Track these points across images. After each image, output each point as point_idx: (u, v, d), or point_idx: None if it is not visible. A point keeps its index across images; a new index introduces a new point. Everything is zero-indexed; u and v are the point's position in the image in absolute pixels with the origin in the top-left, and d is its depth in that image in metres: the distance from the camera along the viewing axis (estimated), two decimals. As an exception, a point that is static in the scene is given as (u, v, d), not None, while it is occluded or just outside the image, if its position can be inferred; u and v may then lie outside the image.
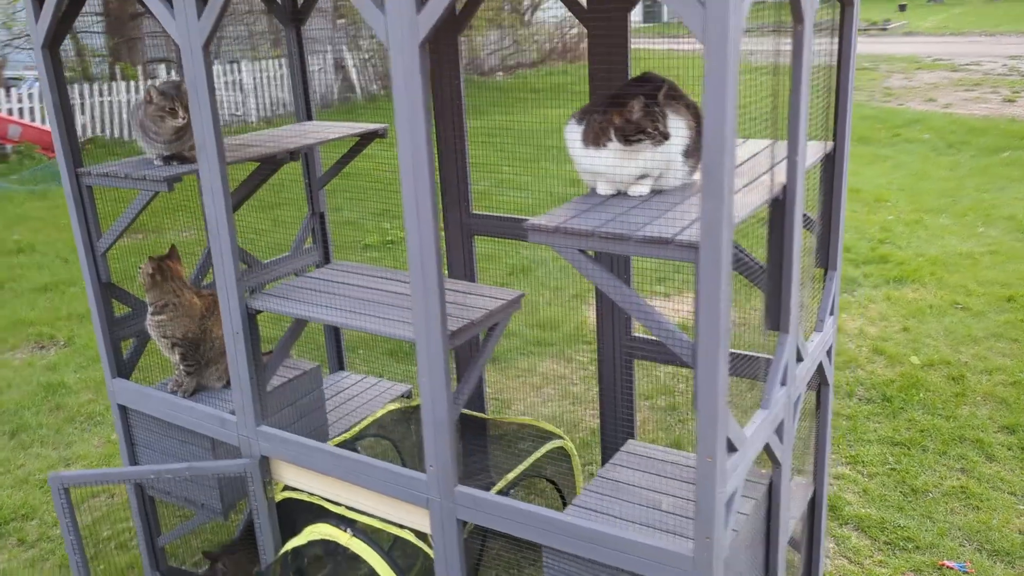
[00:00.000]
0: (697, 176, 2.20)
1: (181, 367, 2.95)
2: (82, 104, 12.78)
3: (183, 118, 2.71)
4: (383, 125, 3.38)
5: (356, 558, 2.49)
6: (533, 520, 2.13)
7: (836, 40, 2.44)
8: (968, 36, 23.03)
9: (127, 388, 2.96)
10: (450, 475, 2.22)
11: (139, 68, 14.25)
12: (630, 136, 1.97)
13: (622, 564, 2.02)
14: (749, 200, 2.00)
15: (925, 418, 4.39)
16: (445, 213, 3.37)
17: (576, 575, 2.13)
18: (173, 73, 12.52)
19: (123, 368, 3.02)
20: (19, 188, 10.22)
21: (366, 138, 3.39)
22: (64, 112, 2.73)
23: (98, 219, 2.85)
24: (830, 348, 2.70)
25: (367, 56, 16.76)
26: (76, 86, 12.93)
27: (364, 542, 2.46)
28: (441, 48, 3.15)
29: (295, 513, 2.80)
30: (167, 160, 2.77)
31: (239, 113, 14.58)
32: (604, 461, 3.25)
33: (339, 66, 16.83)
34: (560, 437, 2.91)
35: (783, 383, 2.23)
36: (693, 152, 2.09)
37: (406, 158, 1.99)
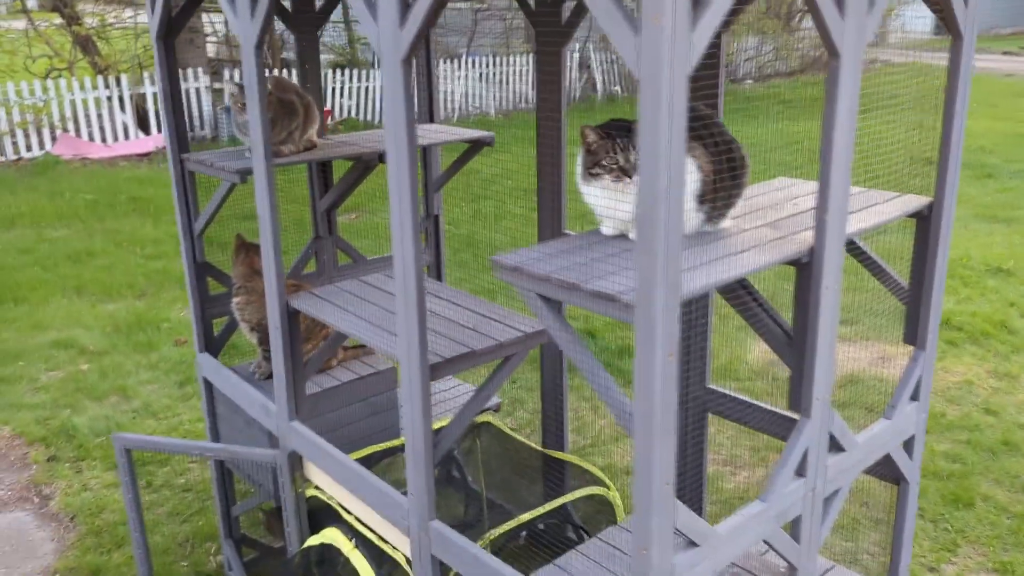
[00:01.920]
0: (726, 224, 1.93)
1: (260, 350, 3.07)
2: (344, 87, 13.84)
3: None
4: (490, 133, 3.32)
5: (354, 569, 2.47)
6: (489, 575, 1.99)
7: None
8: None
9: (209, 363, 3.14)
10: (425, 508, 2.13)
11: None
12: (589, 169, 1.77)
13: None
14: (755, 259, 1.71)
15: (1116, 535, 3.62)
16: (540, 232, 3.24)
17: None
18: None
19: (211, 344, 3.21)
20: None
21: (476, 145, 3.35)
22: (174, 99, 2.92)
23: (197, 202, 3.04)
24: (910, 439, 2.28)
25: (614, 56, 16.70)
26: (346, 69, 14.05)
27: (364, 556, 2.43)
28: (545, 62, 3.02)
29: (321, 512, 2.83)
30: (256, 153, 2.88)
31: (478, 106, 15.11)
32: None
33: (584, 65, 16.94)
34: (605, 485, 2.70)
35: (799, 474, 1.90)
36: (711, 196, 1.83)
37: (392, 174, 1.91)
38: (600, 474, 2.77)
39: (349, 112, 13.76)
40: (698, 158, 1.80)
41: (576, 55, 16.58)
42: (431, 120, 3.60)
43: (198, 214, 3.05)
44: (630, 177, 1.81)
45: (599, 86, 16.70)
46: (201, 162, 2.88)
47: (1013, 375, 5.09)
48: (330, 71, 13.99)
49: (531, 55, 15.68)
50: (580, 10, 2.93)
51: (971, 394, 4.88)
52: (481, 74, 15.30)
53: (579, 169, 1.90)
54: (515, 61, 15.66)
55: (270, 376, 3.13)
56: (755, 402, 2.69)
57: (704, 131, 1.85)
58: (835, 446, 1.99)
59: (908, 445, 2.28)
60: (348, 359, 3.26)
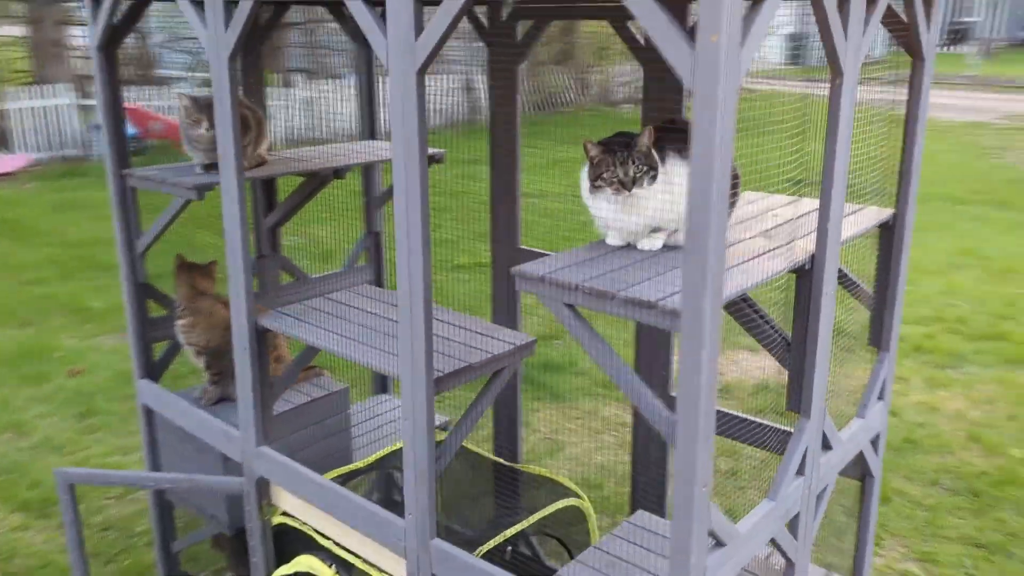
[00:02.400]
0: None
1: (206, 375, 2.94)
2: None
3: (207, 129, 2.70)
4: (441, 150, 3.31)
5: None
6: (505, 588, 1.97)
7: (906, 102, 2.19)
8: None
9: (152, 390, 2.98)
10: (427, 527, 2.09)
11: (278, 76, 14.88)
12: (593, 182, 1.82)
13: (586, 653, 1.83)
14: (768, 266, 1.79)
15: (1016, 520, 3.94)
16: (493, 246, 3.26)
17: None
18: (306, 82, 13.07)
19: (152, 369, 3.04)
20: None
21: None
22: (115, 113, 2.77)
23: (139, 220, 2.88)
24: (876, 437, 2.42)
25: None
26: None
27: (344, 582, 2.35)
28: (501, 79, 3.04)
29: (291, 539, 2.73)
30: (208, 168, 2.77)
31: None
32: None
33: (468, 88, 17.08)
34: (578, 496, 2.72)
35: (799, 473, 1.99)
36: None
37: (399, 188, 1.89)
38: (572, 485, 2.79)
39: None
40: (705, 170, 1.87)
41: (462, 78, 16.71)
42: (372, 137, 3.56)
43: (139, 233, 2.89)
44: (629, 190, 1.85)
45: (483, 109, 16.85)
46: (149, 178, 2.74)
47: (905, 378, 5.45)
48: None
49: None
50: (535, 31, 2.98)
51: (871, 397, 5.20)
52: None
53: (584, 183, 1.94)
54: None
55: (217, 402, 3.01)
56: (717, 408, 2.77)
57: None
58: (825, 445, 2.09)
59: (875, 442, 2.42)
60: (300, 380, 3.17)
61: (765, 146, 2.02)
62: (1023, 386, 5.34)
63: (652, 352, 2.82)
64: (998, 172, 11.96)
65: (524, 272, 1.77)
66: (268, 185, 3.29)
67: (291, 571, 2.50)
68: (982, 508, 4.03)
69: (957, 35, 29.02)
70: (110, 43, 2.70)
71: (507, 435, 3.40)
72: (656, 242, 1.90)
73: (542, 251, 3.19)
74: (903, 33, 2.12)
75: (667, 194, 1.83)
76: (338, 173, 2.99)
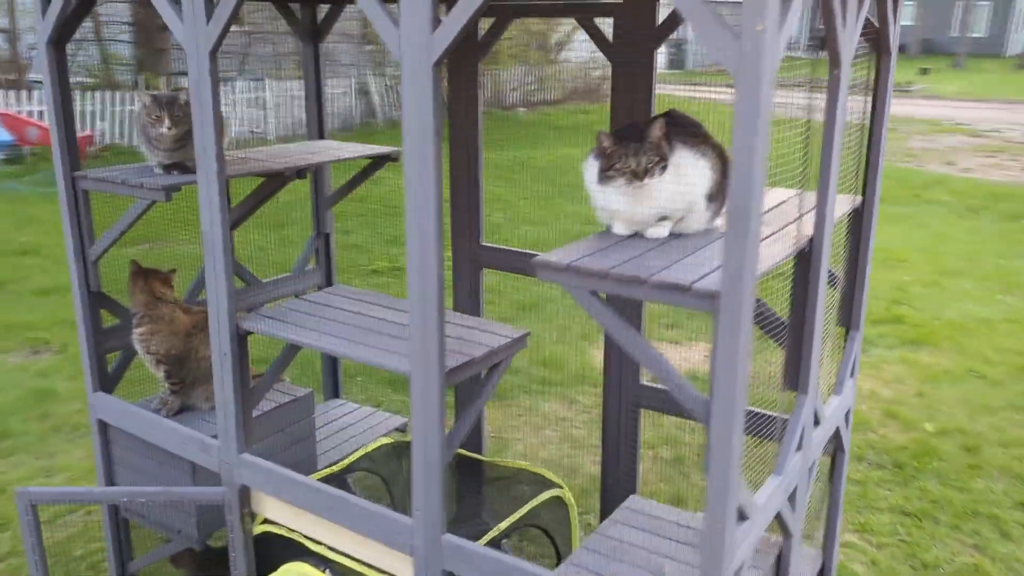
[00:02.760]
0: (720, 222, 2.08)
1: (166, 385, 2.82)
2: (103, 110, 12.85)
3: (169, 128, 2.61)
4: (395, 148, 3.28)
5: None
6: (522, 577, 1.99)
7: (869, 98, 2.33)
8: (989, 103, 22.96)
9: (108, 403, 2.83)
10: (437, 522, 2.08)
11: (163, 79, 14.32)
12: (604, 172, 1.87)
13: (615, 633, 1.87)
14: (773, 251, 1.87)
15: (938, 488, 4.22)
16: (454, 242, 3.26)
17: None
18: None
19: (106, 381, 2.90)
20: (32, 190, 10.20)
21: (378, 161, 3.30)
22: (65, 113, 2.63)
23: (92, 225, 2.74)
24: (848, 412, 2.56)
25: (390, 83, 16.80)
26: (99, 93, 13.03)
27: (341, 586, 2.31)
28: (461, 75, 3.05)
29: (274, 548, 2.65)
30: (168, 169, 2.67)
31: (259, 130, 14.59)
32: (603, 511, 3.09)
33: (363, 91, 16.88)
34: (559, 486, 2.75)
35: (799, 448, 2.09)
36: (717, 196, 1.97)
37: (412, 180, 1.88)
38: (552, 476, 2.82)
39: (103, 137, 12.73)
40: (709, 160, 1.94)
41: (354, 81, 16.49)
42: (321, 136, 3.50)
43: (92, 239, 2.75)
44: (641, 180, 1.90)
45: (378, 112, 16.71)
46: (107, 180, 2.61)
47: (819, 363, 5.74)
48: (88, 93, 12.89)
49: (300, 80, 15.35)
50: (497, 28, 3.00)
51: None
52: (257, 98, 14.79)
53: (592, 173, 1.97)
54: (289, 87, 15.24)
55: (178, 412, 2.90)
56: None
57: (704, 136, 2.00)
58: (816, 420, 2.20)
59: (847, 417, 2.56)
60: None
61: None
62: (926, 365, 5.71)
63: (622, 342, 2.88)
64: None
65: (548, 263, 1.79)
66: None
67: (279, 580, 2.44)
68: (906, 479, 4.30)
69: (823, 41, 30.60)
70: (61, 38, 2.56)
71: (472, 433, 3.41)
72: (663, 230, 1.96)
73: (505, 247, 3.22)
74: (873, 32, 2.25)
75: (676, 183, 1.89)
76: (300, 173, 2.93)
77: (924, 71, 29.83)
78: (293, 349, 2.53)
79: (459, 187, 3.16)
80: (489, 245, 3.20)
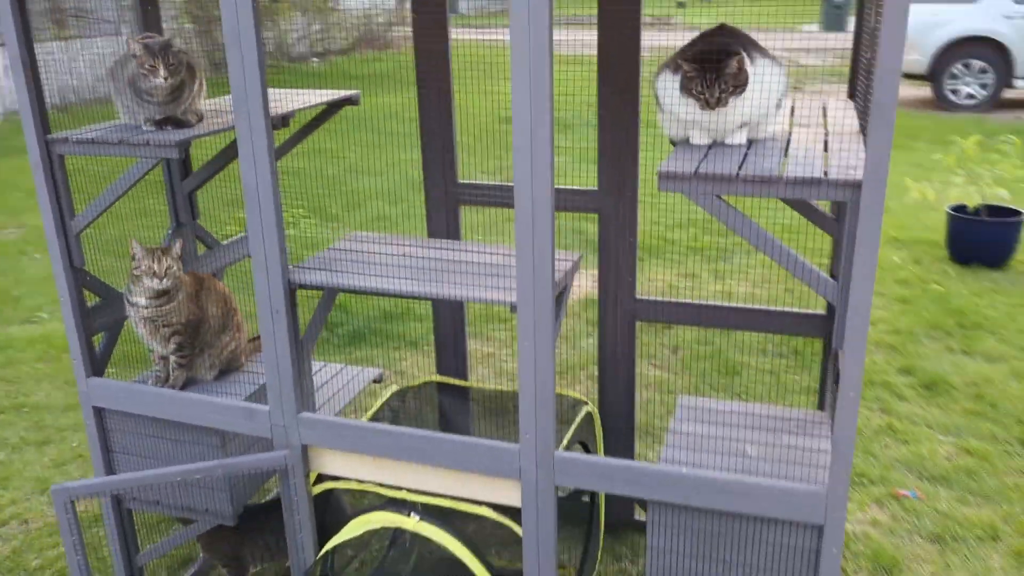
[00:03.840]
0: (775, 128, 2.24)
1: (174, 359, 2.62)
2: None
3: (165, 78, 2.40)
4: (356, 91, 3.18)
5: (424, 544, 2.34)
6: (642, 476, 2.11)
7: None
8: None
9: (108, 387, 2.60)
10: (550, 442, 2.14)
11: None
12: (684, 87, 2.00)
13: (748, 509, 2.04)
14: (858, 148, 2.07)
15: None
16: (426, 183, 3.23)
17: (687, 527, 2.13)
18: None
19: (97, 366, 2.65)
20: None
21: (332, 108, 3.18)
22: (32, 70, 2.34)
23: (71, 194, 2.47)
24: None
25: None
26: None
27: (435, 525, 2.32)
28: (426, 11, 3.01)
29: (331, 508, 2.59)
30: (160, 124, 2.45)
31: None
32: (603, 421, 3.24)
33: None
34: (586, 403, 2.88)
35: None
36: (781, 103, 2.14)
37: (522, 100, 1.89)
38: (577, 395, 2.93)
39: None
40: (781, 67, 2.10)
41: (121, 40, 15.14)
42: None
43: (72, 211, 2.48)
44: (713, 109, 2.03)
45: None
46: (98, 142, 2.36)
47: (695, 274, 6.21)
48: None
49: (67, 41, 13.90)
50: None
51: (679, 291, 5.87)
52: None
53: (669, 88, 2.07)
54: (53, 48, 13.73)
55: (183, 387, 2.73)
56: (678, 300, 3.08)
57: (762, 48, 2.15)
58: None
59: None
60: (251, 352, 2.94)
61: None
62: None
63: (617, 260, 3.02)
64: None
65: (672, 172, 1.88)
66: (182, 146, 2.96)
67: (357, 533, 2.40)
68: (807, 364, 4.81)
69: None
70: (22, -14, 2.26)
71: (458, 365, 3.44)
72: (743, 136, 2.10)
73: (482, 183, 3.24)
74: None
75: (759, 92, 2.03)
76: (284, 121, 2.78)
77: (681, 4, 31.75)
78: (330, 301, 2.45)
79: (428, 127, 3.13)
80: (466, 182, 3.20)
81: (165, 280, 2.46)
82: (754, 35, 2.14)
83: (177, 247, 2.50)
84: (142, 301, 2.49)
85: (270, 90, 3.19)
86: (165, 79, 2.37)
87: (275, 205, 2.19)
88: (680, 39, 2.19)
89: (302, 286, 2.31)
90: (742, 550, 2.10)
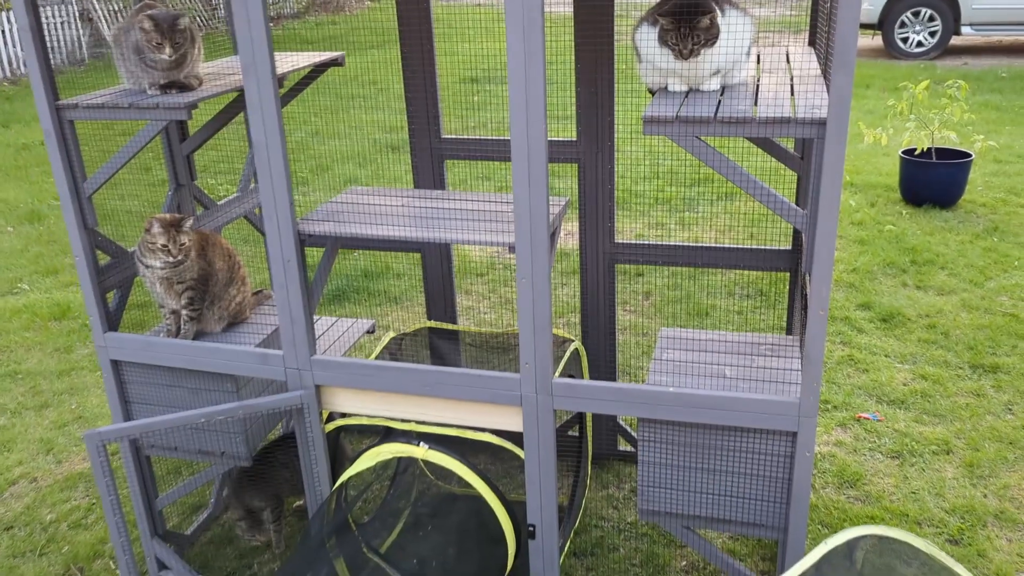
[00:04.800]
0: (745, 74, 2.43)
1: (185, 312, 2.77)
2: None
3: (170, 56, 2.53)
4: (341, 53, 3.31)
5: (433, 471, 2.54)
6: (633, 397, 2.32)
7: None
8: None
9: (125, 341, 2.74)
10: (548, 369, 2.35)
11: None
12: (660, 38, 2.19)
13: (729, 422, 2.26)
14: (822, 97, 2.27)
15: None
16: (412, 139, 3.38)
17: (674, 441, 2.35)
18: None
19: (112, 321, 2.79)
20: None
21: (321, 68, 3.30)
22: (39, 39, 2.44)
23: (82, 158, 2.59)
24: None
25: (120, 5, 15.34)
26: None
27: (442, 452, 2.51)
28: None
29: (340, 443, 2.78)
30: (164, 88, 2.57)
31: None
32: (590, 360, 3.46)
33: (86, 18, 15.27)
34: (573, 340, 3.08)
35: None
36: (750, 51, 2.33)
37: (516, 56, 2.05)
38: (564, 333, 3.13)
39: None
40: (749, 17, 2.28)
41: (73, 7, 14.85)
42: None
43: (84, 174, 2.60)
44: (686, 59, 2.22)
45: (110, 39, 15.24)
46: (108, 107, 2.48)
47: (663, 223, 6.43)
48: None
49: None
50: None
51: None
52: None
53: (648, 39, 2.25)
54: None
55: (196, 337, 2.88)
56: (654, 242, 3.28)
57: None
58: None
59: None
60: (253, 304, 3.10)
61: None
62: (746, 213, 6.57)
63: (597, 207, 3.22)
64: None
65: (655, 117, 2.07)
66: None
67: (369, 464, 2.59)
68: (771, 304, 5.07)
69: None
70: (28, -45, 2.36)
71: (448, 314, 3.63)
72: (716, 83, 2.29)
73: (466, 137, 3.40)
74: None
75: (730, 42, 2.22)
76: (280, 83, 2.91)
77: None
78: (334, 253, 2.61)
79: (413, 83, 3.27)
80: (451, 137, 3.36)
81: (180, 255, 2.61)
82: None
83: (189, 222, 2.64)
84: (157, 264, 2.63)
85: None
86: (170, 56, 2.49)
87: (283, 161, 2.34)
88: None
89: (311, 236, 2.46)
90: (724, 459, 2.34)
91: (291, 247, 2.43)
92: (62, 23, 14.71)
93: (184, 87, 2.59)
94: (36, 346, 4.93)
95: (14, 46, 13.69)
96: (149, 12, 2.50)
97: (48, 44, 2.69)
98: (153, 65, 2.53)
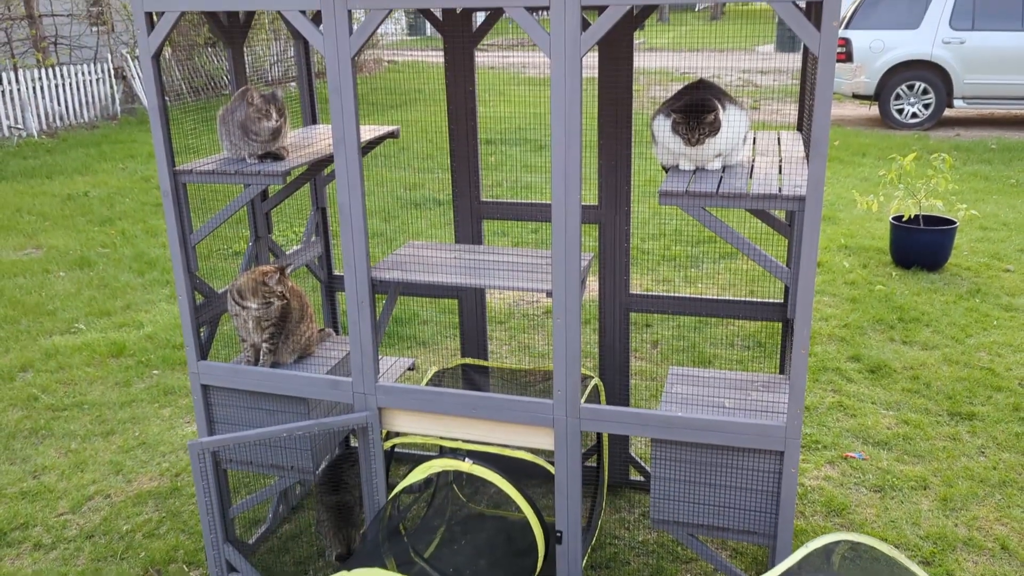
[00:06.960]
0: (742, 156, 2.95)
1: (265, 345, 3.26)
2: None
3: (276, 122, 3.07)
4: (397, 127, 3.85)
5: (465, 491, 2.99)
6: (647, 420, 2.79)
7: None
8: (702, 52, 26.06)
9: (214, 368, 3.23)
10: (576, 396, 2.83)
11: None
12: (673, 129, 2.72)
13: (727, 442, 2.73)
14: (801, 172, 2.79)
15: (794, 356, 5.49)
16: (455, 200, 3.91)
17: (682, 459, 2.81)
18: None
19: (203, 351, 3.28)
20: None
21: (380, 140, 3.85)
22: (163, 116, 2.98)
23: (191, 214, 3.11)
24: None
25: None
26: None
27: (485, 467, 2.98)
28: (456, 57, 3.69)
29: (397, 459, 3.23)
30: (262, 158, 3.10)
31: (19, 127, 13.57)
32: (609, 399, 3.93)
33: (120, 76, 16.07)
34: (594, 377, 3.56)
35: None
36: (745, 138, 2.85)
37: (558, 143, 2.57)
38: (586, 371, 3.61)
39: None
40: (746, 111, 2.81)
41: (108, 66, 15.64)
42: (314, 122, 3.97)
43: (191, 227, 3.12)
44: (693, 147, 2.75)
45: (142, 96, 15.99)
46: (217, 172, 3.00)
47: (669, 280, 6.93)
48: None
49: (51, 68, 14.39)
50: (492, 18, 3.67)
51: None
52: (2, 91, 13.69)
53: (663, 128, 2.78)
54: (38, 75, 14.20)
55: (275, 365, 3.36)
56: (664, 294, 3.78)
57: (730, 94, 2.87)
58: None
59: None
60: (317, 341, 3.58)
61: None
62: (746, 271, 7.08)
63: (615, 262, 3.72)
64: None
65: (669, 191, 2.58)
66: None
67: (420, 477, 3.05)
68: (769, 355, 5.54)
69: None
70: (160, 52, 2.91)
71: (480, 352, 4.11)
72: (719, 164, 2.81)
73: (503, 201, 3.92)
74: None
75: (729, 132, 2.75)
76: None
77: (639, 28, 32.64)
78: (394, 298, 3.12)
79: (459, 152, 3.81)
80: (489, 200, 3.89)
81: (279, 121, 3.07)
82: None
83: (279, 93, 3.13)
84: (254, 305, 3.13)
85: (322, 126, 3.86)
86: (276, 121, 3.03)
87: (363, 220, 2.85)
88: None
89: (382, 281, 2.97)
90: (724, 474, 2.79)
91: (365, 291, 2.93)
92: (97, 80, 15.49)
93: (277, 156, 3.12)
94: (98, 380, 5.41)
95: (51, 100, 14.42)
96: (253, 90, 3.04)
97: (82, 100, 3.20)
98: (255, 138, 3.06)
